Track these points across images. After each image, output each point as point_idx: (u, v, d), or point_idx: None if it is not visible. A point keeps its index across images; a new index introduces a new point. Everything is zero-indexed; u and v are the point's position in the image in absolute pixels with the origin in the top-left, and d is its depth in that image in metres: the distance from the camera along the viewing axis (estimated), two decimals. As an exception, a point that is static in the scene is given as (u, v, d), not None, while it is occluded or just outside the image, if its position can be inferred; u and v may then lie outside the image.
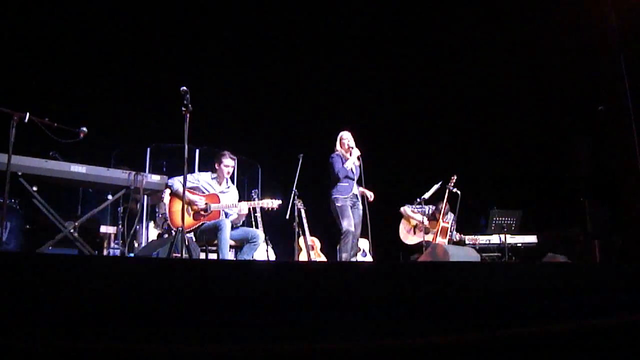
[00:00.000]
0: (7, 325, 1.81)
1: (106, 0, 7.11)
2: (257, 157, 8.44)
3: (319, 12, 7.84)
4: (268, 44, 8.06)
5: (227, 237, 5.09)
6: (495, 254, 7.49)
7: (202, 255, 5.41)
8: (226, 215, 5.45)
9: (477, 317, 2.40)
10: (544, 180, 8.20)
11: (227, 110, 8.14)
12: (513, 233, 7.35)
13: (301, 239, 6.98)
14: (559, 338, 2.21)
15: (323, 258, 7.26)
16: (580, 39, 6.51)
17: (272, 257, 7.06)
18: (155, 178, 4.93)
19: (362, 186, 6.19)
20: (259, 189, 7.96)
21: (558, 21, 6.89)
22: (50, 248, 4.60)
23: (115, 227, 6.58)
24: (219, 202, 5.37)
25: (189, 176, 5.63)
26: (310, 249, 7.06)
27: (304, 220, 7.01)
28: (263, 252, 6.70)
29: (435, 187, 7.20)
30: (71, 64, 7.09)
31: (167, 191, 5.87)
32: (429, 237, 7.04)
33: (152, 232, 6.89)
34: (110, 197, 5.08)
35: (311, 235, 7.17)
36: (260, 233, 5.49)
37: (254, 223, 7.10)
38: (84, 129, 4.65)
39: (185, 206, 4.76)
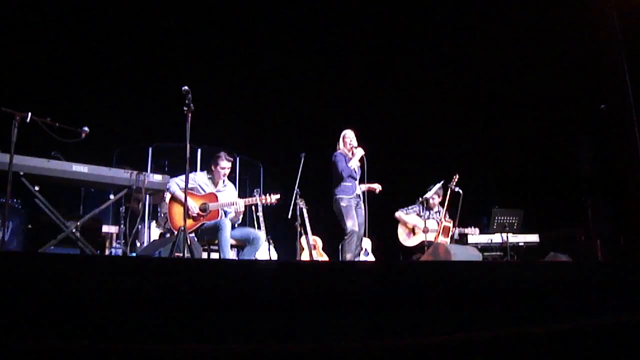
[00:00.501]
0: (8, 325, 1.81)
1: (108, 0, 7.12)
2: (259, 156, 8.45)
3: (321, 11, 7.83)
4: (270, 43, 8.05)
5: (227, 236, 5.09)
6: (497, 253, 7.47)
7: (204, 255, 5.41)
8: (225, 214, 5.45)
9: (479, 316, 2.40)
10: (546, 179, 8.19)
11: (229, 109, 8.14)
12: (515, 232, 7.33)
13: (303, 238, 6.98)
14: (560, 338, 2.21)
15: (325, 257, 7.26)
16: (582, 38, 6.50)
17: (274, 256, 7.07)
18: (157, 177, 4.94)
19: (364, 183, 6.19)
20: (261, 189, 7.97)
21: (560, 20, 6.88)
22: (52, 248, 4.60)
23: (117, 227, 6.59)
24: (217, 201, 5.37)
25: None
26: (312, 248, 7.06)
27: (306, 220, 7.01)
28: (265, 251, 6.70)
29: (438, 186, 7.18)
30: (73, 63, 7.09)
31: (169, 191, 5.89)
32: (430, 237, 7.03)
33: (154, 232, 6.90)
34: (112, 196, 5.08)
35: (313, 234, 7.17)
36: (261, 235, 5.49)
37: (256, 223, 7.10)
38: (86, 128, 4.66)
39: (185, 208, 4.75)
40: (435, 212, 7.31)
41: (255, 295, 2.22)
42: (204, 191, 5.50)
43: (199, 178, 5.63)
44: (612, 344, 2.28)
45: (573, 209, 7.71)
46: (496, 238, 7.41)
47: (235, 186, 5.98)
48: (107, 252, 6.48)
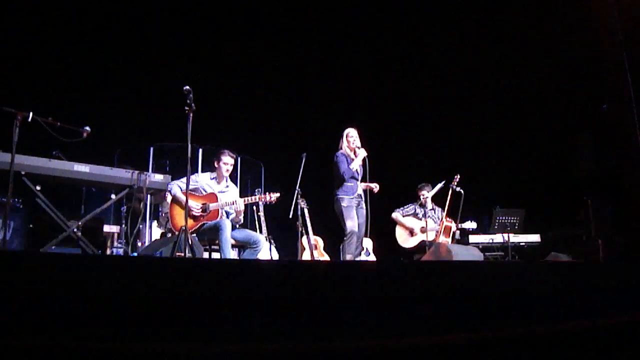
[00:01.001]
0: (9, 324, 1.81)
1: (108, 0, 7.13)
2: (260, 156, 8.45)
3: (322, 11, 7.83)
4: (271, 42, 8.06)
5: (227, 236, 5.10)
6: (499, 253, 7.48)
7: (205, 255, 5.42)
8: (227, 214, 5.45)
9: (480, 316, 2.40)
10: (547, 179, 8.19)
11: (230, 109, 8.14)
12: (516, 232, 7.34)
13: (304, 238, 6.98)
14: (561, 338, 2.21)
15: (326, 257, 7.26)
16: (583, 38, 6.49)
17: (275, 256, 7.07)
18: (159, 177, 4.95)
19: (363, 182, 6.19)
20: (262, 188, 7.98)
21: (561, 19, 6.87)
22: (53, 247, 4.60)
23: (118, 227, 6.60)
24: (218, 202, 5.38)
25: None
26: (313, 248, 7.06)
27: (307, 220, 7.01)
28: (266, 251, 6.71)
29: (439, 186, 7.19)
30: (74, 63, 7.10)
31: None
32: (429, 236, 7.03)
33: (155, 232, 6.91)
34: (113, 196, 5.08)
35: (314, 234, 7.17)
36: (262, 238, 5.50)
37: (257, 223, 7.10)
38: (87, 128, 4.67)
39: (187, 207, 4.76)
40: (430, 210, 7.31)
41: (256, 295, 2.22)
42: (206, 192, 5.51)
43: (202, 179, 5.64)
44: (612, 344, 2.28)
45: (574, 209, 7.70)
46: (497, 238, 7.42)
47: (237, 186, 5.98)
48: (108, 252, 6.49)
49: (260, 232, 6.75)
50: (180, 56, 7.67)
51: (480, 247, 7.23)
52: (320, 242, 7.30)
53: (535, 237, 7.62)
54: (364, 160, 6.11)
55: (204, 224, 5.32)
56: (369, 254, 7.21)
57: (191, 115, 4.56)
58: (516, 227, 7.30)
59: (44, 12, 6.77)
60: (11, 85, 6.03)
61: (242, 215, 5.59)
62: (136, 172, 4.77)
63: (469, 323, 2.33)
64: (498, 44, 7.75)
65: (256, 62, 8.15)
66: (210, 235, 5.29)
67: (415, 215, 7.31)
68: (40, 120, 4.34)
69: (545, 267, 3.54)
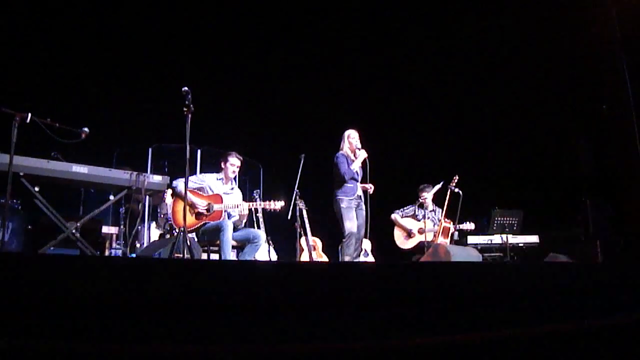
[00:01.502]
0: (8, 325, 1.81)
1: (108, 1, 7.12)
2: (259, 157, 8.45)
3: (320, 12, 7.84)
4: (270, 43, 8.06)
5: (229, 238, 5.10)
6: (497, 254, 7.47)
7: (204, 256, 5.42)
8: (229, 216, 5.46)
9: (479, 317, 2.40)
10: (545, 180, 8.19)
11: (229, 110, 8.15)
12: (515, 233, 7.34)
13: (303, 239, 6.98)
14: (560, 338, 2.21)
15: (325, 258, 7.25)
16: (582, 39, 6.51)
17: (274, 257, 7.06)
18: (157, 178, 4.94)
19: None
20: (261, 190, 7.97)
21: (560, 21, 6.88)
22: (52, 248, 4.60)
23: (117, 228, 6.59)
24: (222, 203, 5.38)
25: (194, 177, 5.65)
26: (312, 249, 7.06)
27: (306, 221, 7.01)
28: (265, 252, 6.70)
29: (437, 187, 7.19)
30: (73, 64, 7.10)
31: (169, 191, 5.89)
32: (427, 237, 7.03)
33: (153, 233, 6.90)
34: (112, 197, 5.08)
35: (313, 235, 7.16)
36: (261, 234, 5.50)
37: (255, 224, 7.10)
38: (86, 129, 4.66)
39: (187, 207, 4.76)
40: (431, 211, 7.31)
41: (255, 296, 2.22)
42: (212, 192, 5.52)
43: (208, 179, 5.65)
44: (611, 344, 2.28)
45: (573, 210, 7.71)
46: (496, 239, 7.41)
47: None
48: (107, 253, 6.48)
49: (259, 233, 6.74)
50: (179, 57, 7.66)
51: (479, 248, 7.23)
52: (318, 243, 7.30)
53: (533, 238, 7.62)
54: (364, 161, 6.11)
55: (205, 223, 5.31)
56: (368, 255, 7.21)
57: (190, 116, 4.56)
58: (515, 228, 7.30)
59: (42, 13, 6.77)
60: (10, 86, 6.02)
61: (245, 219, 5.60)
62: (135, 173, 4.76)
63: (467, 324, 2.33)
64: (496, 45, 7.76)
65: (255, 62, 8.16)
66: (211, 235, 5.28)
67: (414, 216, 7.32)
68: (39, 121, 4.34)
69: (543, 268, 3.55)
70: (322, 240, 7.35)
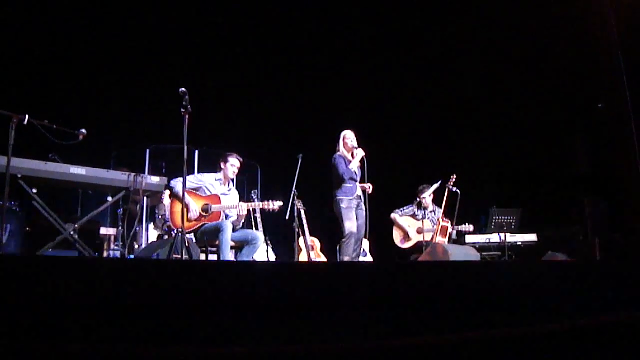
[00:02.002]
0: (7, 326, 1.81)
1: (105, 2, 7.11)
2: (257, 157, 8.43)
3: (318, 13, 7.83)
4: (267, 44, 8.06)
5: (228, 238, 5.09)
6: (495, 253, 7.47)
7: (202, 257, 5.41)
8: (226, 216, 5.45)
9: (477, 316, 2.41)
10: (543, 179, 8.20)
11: (227, 111, 8.14)
12: (513, 232, 7.34)
13: (301, 240, 6.98)
14: (559, 337, 2.21)
15: (323, 258, 7.25)
16: (579, 37, 6.52)
17: (272, 257, 7.06)
18: (155, 179, 4.94)
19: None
20: (259, 190, 7.96)
21: (557, 19, 6.89)
22: (50, 250, 4.60)
23: (115, 229, 6.57)
24: (220, 203, 5.38)
25: (192, 177, 5.64)
26: (310, 249, 7.06)
27: (304, 221, 7.01)
28: (263, 252, 6.70)
29: (435, 186, 7.19)
30: (70, 65, 7.09)
31: (167, 192, 5.88)
32: (425, 237, 7.04)
33: (152, 234, 6.90)
34: (110, 198, 5.08)
35: (311, 235, 7.16)
36: (260, 235, 5.50)
37: (253, 224, 7.10)
38: (84, 130, 4.65)
39: (185, 208, 4.76)
40: (431, 212, 7.32)
41: (253, 297, 2.22)
42: (210, 192, 5.51)
43: (206, 179, 5.64)
44: (611, 344, 2.28)
45: (571, 209, 7.72)
46: (494, 238, 7.41)
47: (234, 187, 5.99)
48: (105, 255, 6.47)
49: (257, 233, 6.74)
50: (177, 58, 7.66)
51: (477, 247, 7.23)
52: (316, 243, 7.30)
53: (532, 237, 7.62)
54: (362, 161, 6.11)
55: (204, 224, 5.31)
56: (366, 254, 7.21)
57: (187, 117, 4.56)
58: (513, 227, 7.30)
59: (40, 14, 6.76)
60: (7, 88, 6.01)
61: (244, 219, 5.59)
62: (132, 174, 4.77)
63: (466, 323, 2.33)
64: (494, 45, 7.76)
65: (252, 63, 8.15)
66: (210, 236, 5.27)
67: (414, 216, 7.32)
68: (37, 123, 4.33)
69: (542, 267, 3.55)
70: (320, 241, 7.35)
